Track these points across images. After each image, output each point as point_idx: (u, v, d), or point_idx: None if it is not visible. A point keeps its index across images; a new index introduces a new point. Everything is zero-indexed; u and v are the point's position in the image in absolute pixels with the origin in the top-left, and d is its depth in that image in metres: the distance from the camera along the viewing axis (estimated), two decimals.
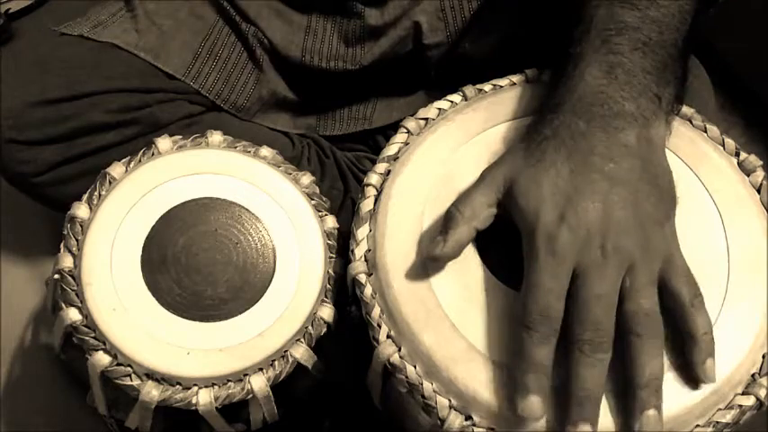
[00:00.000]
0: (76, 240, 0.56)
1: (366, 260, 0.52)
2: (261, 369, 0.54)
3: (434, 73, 0.78)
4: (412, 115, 0.58)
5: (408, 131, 0.57)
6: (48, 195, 0.72)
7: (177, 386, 0.53)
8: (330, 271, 0.58)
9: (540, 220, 0.45)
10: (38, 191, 0.72)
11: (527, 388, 0.43)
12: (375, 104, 0.81)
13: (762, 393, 0.47)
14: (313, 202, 0.60)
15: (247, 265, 0.57)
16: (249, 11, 0.73)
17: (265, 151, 0.62)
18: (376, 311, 0.50)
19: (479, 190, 0.48)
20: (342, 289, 0.58)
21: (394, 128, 0.60)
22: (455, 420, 0.47)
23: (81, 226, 0.56)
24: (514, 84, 0.59)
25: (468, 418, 0.47)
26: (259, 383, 0.54)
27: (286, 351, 0.55)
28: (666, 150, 0.49)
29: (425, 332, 0.48)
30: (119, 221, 0.57)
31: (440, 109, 0.58)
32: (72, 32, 0.70)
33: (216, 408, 0.53)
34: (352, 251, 0.53)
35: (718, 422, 0.46)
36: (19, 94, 0.67)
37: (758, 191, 0.54)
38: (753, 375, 0.48)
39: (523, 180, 0.47)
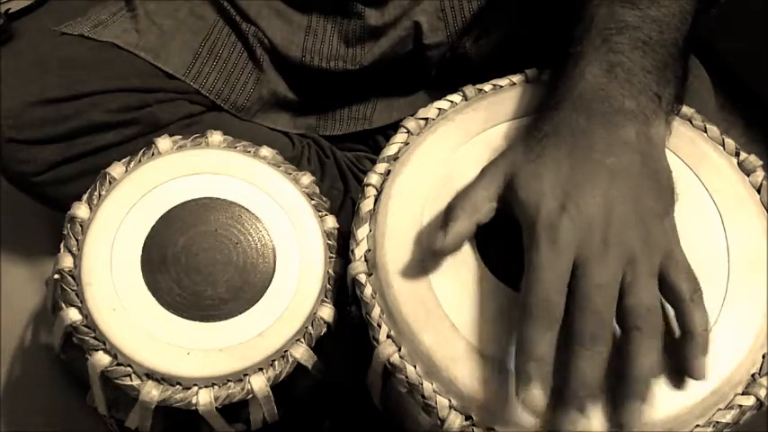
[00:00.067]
0: (76, 240, 0.56)
1: (366, 260, 0.52)
2: (261, 369, 0.54)
3: (434, 73, 0.78)
4: (412, 115, 0.58)
5: (408, 131, 0.57)
6: (48, 195, 0.72)
7: (177, 386, 0.53)
8: (330, 271, 0.58)
9: (540, 211, 0.45)
10: (38, 190, 0.72)
11: (528, 377, 0.42)
12: (375, 104, 0.81)
13: (762, 393, 0.47)
14: (313, 202, 0.60)
15: (247, 265, 0.57)
16: (249, 11, 0.73)
17: (265, 151, 0.62)
18: (376, 311, 0.50)
19: (480, 184, 0.48)
20: (342, 289, 0.58)
21: (394, 128, 0.60)
22: (455, 420, 0.47)
23: (81, 226, 0.56)
24: (514, 84, 0.59)
25: (468, 418, 0.47)
26: (259, 383, 0.54)
27: (286, 351, 0.55)
28: (666, 150, 0.49)
29: (425, 332, 0.48)
30: (119, 221, 0.57)
31: (440, 109, 0.58)
32: (72, 32, 0.70)
33: (216, 408, 0.53)
34: (352, 251, 0.53)
35: (718, 422, 0.46)
36: (19, 93, 0.67)
37: (758, 191, 0.54)
38: (753, 375, 0.48)
39: (524, 174, 0.47)
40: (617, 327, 0.44)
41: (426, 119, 0.58)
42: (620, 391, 0.43)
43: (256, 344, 0.54)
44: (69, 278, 0.55)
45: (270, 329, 0.55)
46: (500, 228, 0.48)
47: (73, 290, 0.54)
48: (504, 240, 0.48)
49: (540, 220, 0.44)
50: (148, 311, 0.54)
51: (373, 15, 0.73)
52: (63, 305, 0.54)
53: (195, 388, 0.53)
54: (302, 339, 0.56)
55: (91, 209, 0.57)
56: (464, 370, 0.47)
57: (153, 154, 0.60)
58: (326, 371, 0.58)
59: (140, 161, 0.60)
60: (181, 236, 0.57)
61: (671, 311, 0.45)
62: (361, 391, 0.56)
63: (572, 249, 0.43)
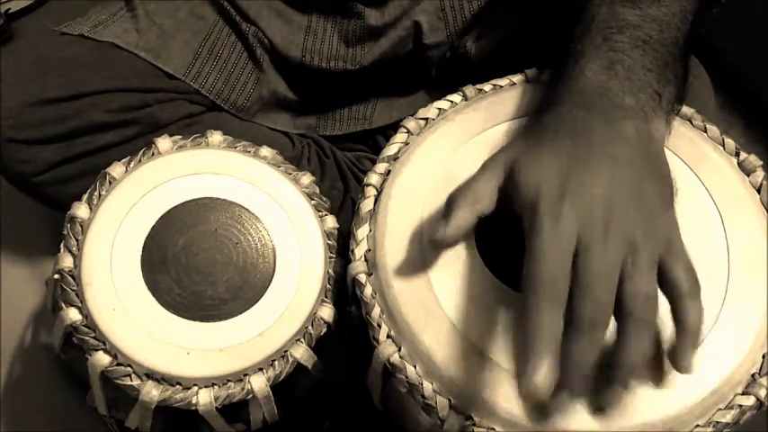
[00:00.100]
0: (76, 240, 0.56)
1: (366, 260, 0.52)
2: (261, 369, 0.54)
3: (434, 73, 0.78)
4: (412, 115, 0.58)
5: (408, 131, 0.57)
6: (48, 195, 0.72)
7: (177, 386, 0.53)
8: (330, 271, 0.58)
9: (542, 193, 0.44)
10: (38, 190, 0.72)
11: (539, 354, 0.40)
12: (375, 104, 0.81)
13: (762, 393, 0.47)
14: (313, 202, 0.60)
15: (247, 265, 0.57)
16: (249, 11, 0.73)
17: (265, 151, 0.62)
18: (376, 311, 0.50)
19: (481, 176, 0.47)
20: (342, 289, 0.58)
21: (394, 128, 0.60)
22: (455, 420, 0.47)
23: (81, 226, 0.56)
24: (514, 84, 0.59)
25: (469, 417, 0.47)
26: (259, 383, 0.54)
27: (286, 351, 0.55)
28: (666, 150, 0.49)
29: (425, 332, 0.48)
30: (119, 221, 0.57)
31: (440, 109, 0.58)
32: (72, 32, 0.70)
33: (216, 408, 0.53)
34: (352, 251, 0.53)
35: (718, 422, 0.46)
36: (19, 93, 0.67)
37: (758, 191, 0.54)
38: (753, 375, 0.48)
39: (524, 160, 0.46)
40: None
41: (426, 119, 0.58)
42: (604, 374, 0.43)
43: (256, 344, 0.54)
44: (69, 278, 0.55)
45: (270, 329, 0.55)
46: (500, 228, 0.48)
47: (73, 290, 0.54)
48: (504, 241, 0.48)
49: (541, 202, 0.43)
50: (148, 311, 0.54)
51: (373, 15, 0.73)
52: (63, 305, 0.54)
53: (195, 388, 0.53)
54: (302, 339, 0.56)
55: (91, 209, 0.57)
56: (464, 370, 0.47)
57: (153, 154, 0.60)
58: (326, 371, 0.58)
59: (140, 161, 0.60)
60: (181, 236, 0.57)
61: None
62: (361, 391, 0.56)
63: (574, 232, 0.43)
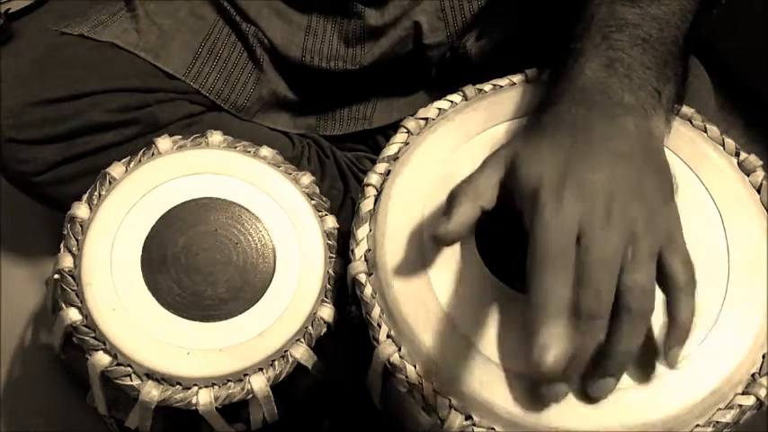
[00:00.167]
0: (76, 240, 0.56)
1: (366, 260, 0.52)
2: (261, 369, 0.54)
3: (434, 73, 0.78)
4: (412, 115, 0.58)
5: (408, 131, 0.57)
6: (48, 195, 0.72)
7: (177, 386, 0.53)
8: (330, 271, 0.58)
9: (543, 182, 0.44)
10: (38, 190, 0.72)
11: (551, 317, 0.39)
12: (375, 104, 0.81)
13: (762, 393, 0.47)
14: (313, 202, 0.60)
15: (247, 265, 0.57)
16: (249, 11, 0.73)
17: (265, 151, 0.62)
18: (376, 311, 0.50)
19: (482, 171, 0.47)
20: (342, 289, 0.58)
21: (394, 128, 0.60)
22: (455, 420, 0.47)
23: (81, 226, 0.56)
24: (514, 84, 0.59)
25: (468, 417, 0.47)
26: (259, 383, 0.54)
27: (286, 351, 0.55)
28: (666, 150, 0.49)
29: (425, 332, 0.48)
30: (119, 221, 0.57)
31: (440, 109, 0.58)
32: (72, 32, 0.70)
33: (216, 408, 0.53)
34: (352, 251, 0.53)
35: (718, 422, 0.46)
36: (19, 93, 0.67)
37: (758, 191, 0.54)
38: (753, 375, 0.48)
39: (525, 153, 0.46)
40: None
41: (426, 119, 0.58)
42: (595, 363, 0.43)
43: (256, 344, 0.54)
44: (69, 278, 0.55)
45: (270, 329, 0.55)
46: (500, 227, 0.48)
47: (73, 290, 0.54)
48: (504, 241, 0.48)
49: (542, 189, 0.43)
50: (148, 311, 0.54)
51: (373, 15, 0.73)
52: (63, 305, 0.54)
53: (195, 388, 0.53)
54: (302, 339, 0.56)
55: (91, 209, 0.57)
56: (464, 369, 0.47)
57: (153, 154, 0.60)
58: (326, 371, 0.58)
59: (140, 161, 0.60)
60: (181, 236, 0.57)
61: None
62: (361, 391, 0.56)
63: (576, 217, 0.42)
